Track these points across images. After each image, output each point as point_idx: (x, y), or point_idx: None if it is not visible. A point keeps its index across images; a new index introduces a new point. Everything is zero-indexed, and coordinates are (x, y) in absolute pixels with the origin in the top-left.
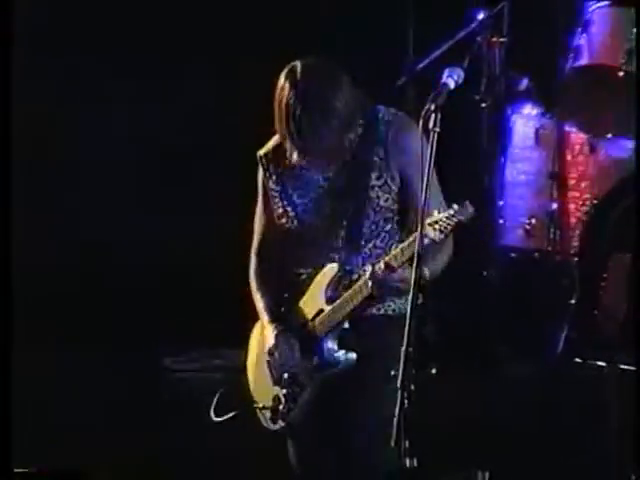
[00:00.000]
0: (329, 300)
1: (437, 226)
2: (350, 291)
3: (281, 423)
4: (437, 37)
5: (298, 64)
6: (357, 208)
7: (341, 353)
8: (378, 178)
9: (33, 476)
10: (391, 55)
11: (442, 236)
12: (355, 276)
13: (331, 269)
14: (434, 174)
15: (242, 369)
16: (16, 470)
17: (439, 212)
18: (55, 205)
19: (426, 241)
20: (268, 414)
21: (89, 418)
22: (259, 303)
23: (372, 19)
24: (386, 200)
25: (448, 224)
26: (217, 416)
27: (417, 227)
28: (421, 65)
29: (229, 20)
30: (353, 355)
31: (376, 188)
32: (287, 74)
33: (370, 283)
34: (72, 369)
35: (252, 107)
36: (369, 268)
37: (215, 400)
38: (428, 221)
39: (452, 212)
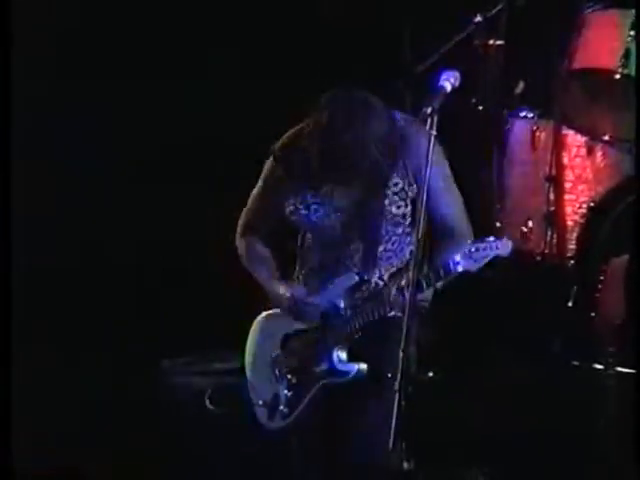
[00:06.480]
0: (345, 308)
1: (473, 256)
2: (369, 304)
3: (279, 422)
4: (434, 40)
5: (340, 92)
6: (374, 213)
7: (352, 365)
8: (396, 184)
9: (33, 476)
10: (389, 58)
11: (477, 266)
12: (373, 286)
13: (349, 277)
14: (451, 181)
15: (240, 371)
16: (16, 470)
17: (474, 241)
18: (54, 205)
19: (459, 269)
20: (266, 411)
21: (87, 419)
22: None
23: (370, 21)
24: (398, 207)
25: (486, 255)
26: (214, 406)
27: (421, 234)
28: (419, 68)
29: (227, 19)
30: (364, 367)
31: (392, 194)
32: (328, 101)
33: (394, 306)
34: (70, 371)
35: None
36: (393, 291)
37: (208, 393)
38: (465, 250)
39: (490, 245)
